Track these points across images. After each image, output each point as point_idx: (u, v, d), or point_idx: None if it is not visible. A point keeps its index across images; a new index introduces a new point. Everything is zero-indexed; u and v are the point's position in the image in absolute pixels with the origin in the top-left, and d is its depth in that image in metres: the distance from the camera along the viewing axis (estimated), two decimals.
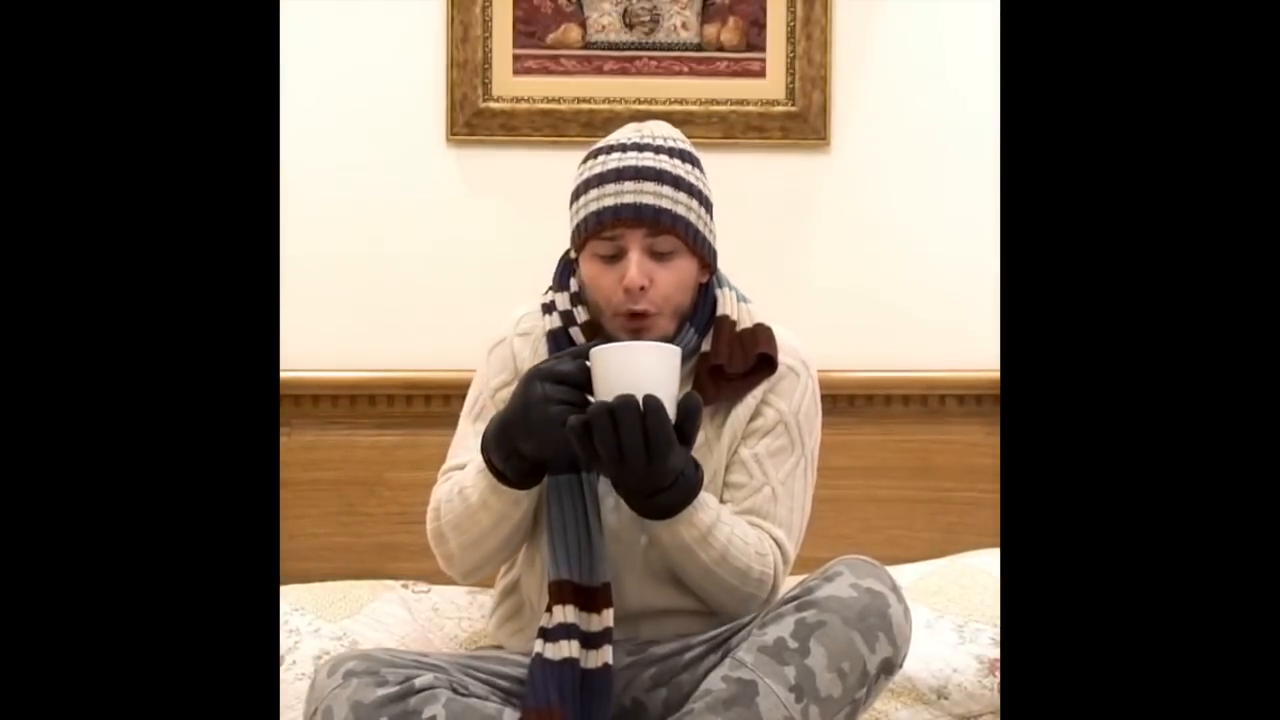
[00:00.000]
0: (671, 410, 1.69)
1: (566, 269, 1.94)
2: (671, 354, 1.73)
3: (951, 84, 2.70)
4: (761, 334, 1.91)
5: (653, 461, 1.69)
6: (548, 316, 1.96)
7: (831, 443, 2.49)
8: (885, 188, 2.69)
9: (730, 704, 1.73)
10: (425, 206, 2.63)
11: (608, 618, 1.82)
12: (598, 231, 1.85)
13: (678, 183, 1.89)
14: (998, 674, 2.20)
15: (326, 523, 2.55)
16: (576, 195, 1.90)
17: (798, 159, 2.67)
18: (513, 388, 1.85)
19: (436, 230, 2.61)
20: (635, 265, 1.84)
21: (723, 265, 2.43)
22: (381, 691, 1.72)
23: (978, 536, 2.62)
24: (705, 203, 1.91)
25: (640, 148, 1.90)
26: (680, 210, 1.87)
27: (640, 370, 1.71)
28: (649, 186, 1.87)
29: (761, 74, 2.65)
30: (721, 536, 1.82)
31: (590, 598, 1.83)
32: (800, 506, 1.96)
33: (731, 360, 1.89)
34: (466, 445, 1.93)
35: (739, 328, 1.93)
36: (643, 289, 1.85)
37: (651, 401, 1.67)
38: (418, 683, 1.73)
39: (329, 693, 1.72)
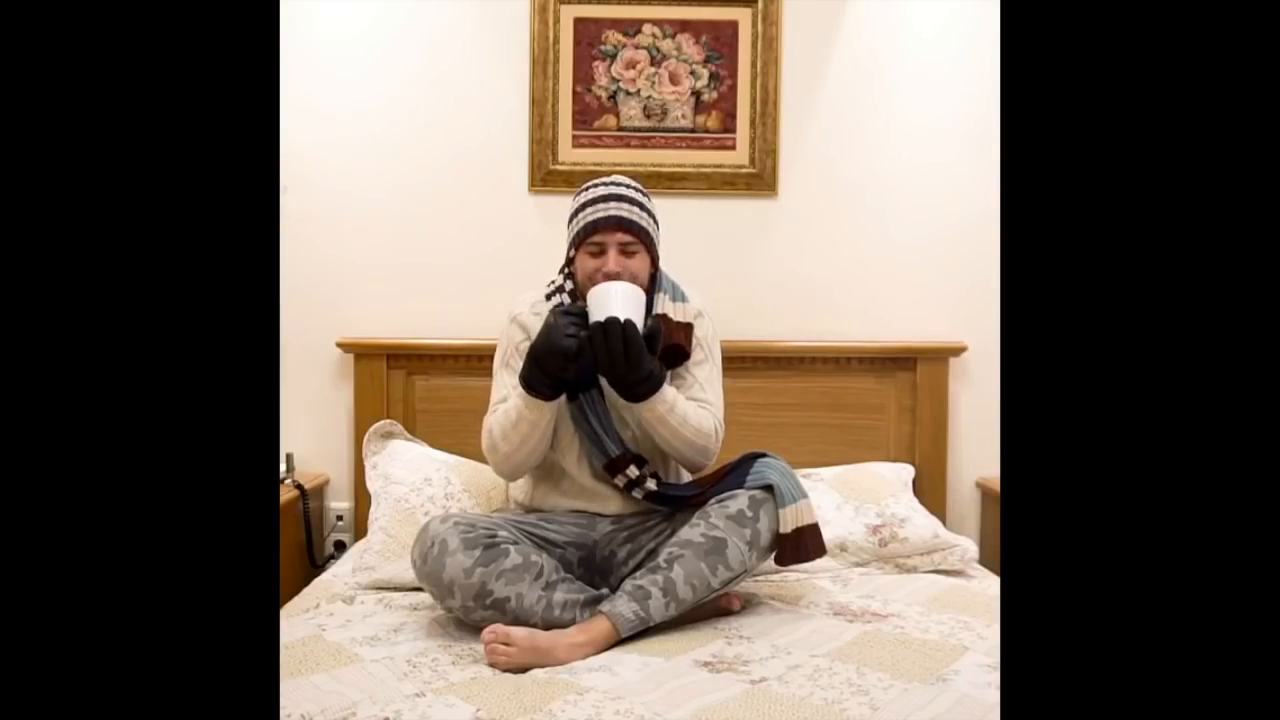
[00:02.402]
0: (640, 326, 1.80)
1: (564, 270, 2.07)
2: (636, 290, 1.84)
3: (853, 157, 2.80)
4: (681, 329, 2.01)
5: (629, 360, 1.79)
6: (554, 298, 2.05)
7: (776, 388, 2.76)
8: (811, 221, 2.81)
9: (709, 552, 1.82)
10: (516, 234, 2.78)
11: (639, 466, 1.96)
12: (590, 236, 1.97)
13: (641, 207, 2.01)
14: (879, 534, 2.34)
15: (451, 436, 2.65)
16: (575, 214, 2.02)
17: (757, 203, 2.79)
18: (529, 343, 1.94)
19: (523, 249, 2.75)
20: (613, 259, 1.96)
21: (708, 268, 2.72)
22: (476, 534, 1.80)
23: (871, 450, 2.75)
24: (654, 220, 2.04)
25: (614, 183, 2.02)
26: (640, 221, 1.99)
27: (617, 300, 1.81)
28: (624, 207, 1.98)
29: (734, 148, 2.75)
30: (682, 406, 1.93)
31: (629, 461, 1.96)
32: (718, 390, 2.07)
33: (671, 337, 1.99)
34: (502, 383, 2.02)
35: (674, 318, 2.01)
36: (618, 273, 1.94)
37: (628, 321, 1.78)
38: (500, 534, 1.82)
39: (444, 531, 1.79)
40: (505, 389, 1.99)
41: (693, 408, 1.95)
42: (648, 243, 2.00)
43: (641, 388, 1.86)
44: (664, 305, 2.02)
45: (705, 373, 2.05)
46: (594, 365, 1.83)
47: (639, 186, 2.05)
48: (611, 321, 1.77)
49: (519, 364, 1.95)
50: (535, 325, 2.02)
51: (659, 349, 1.88)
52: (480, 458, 2.45)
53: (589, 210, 1.98)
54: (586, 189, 2.03)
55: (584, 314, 1.82)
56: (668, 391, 1.89)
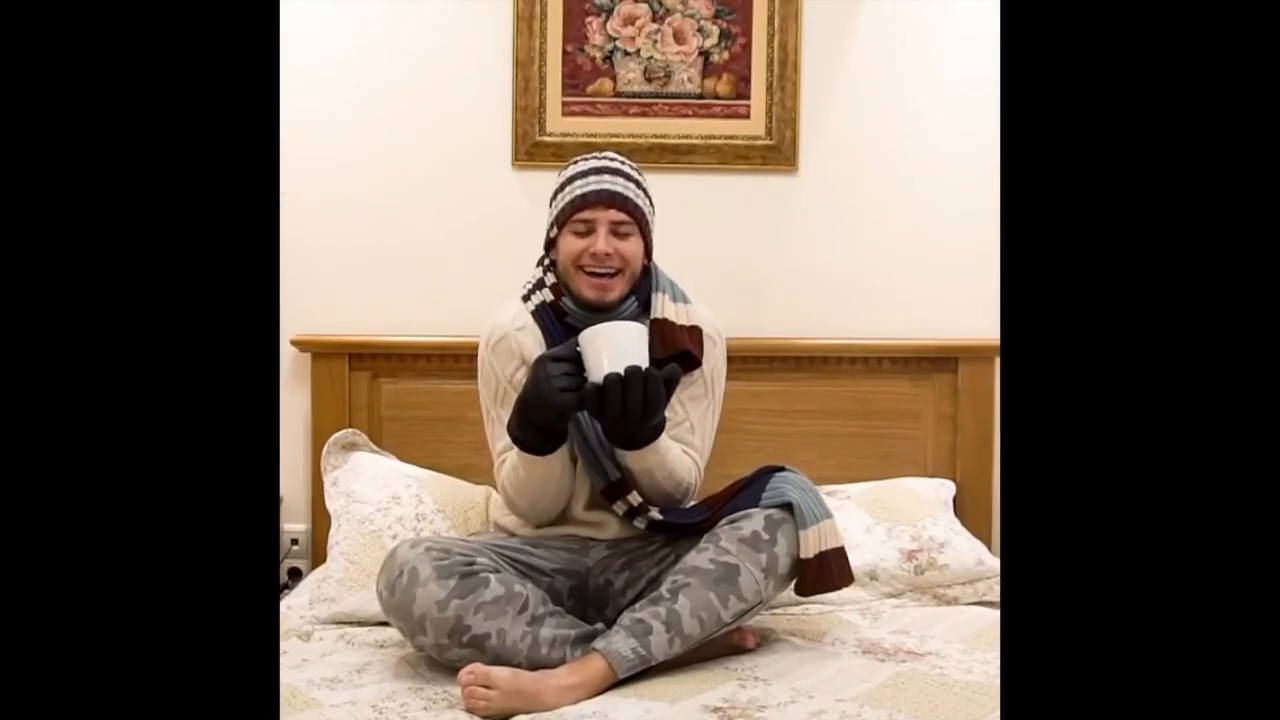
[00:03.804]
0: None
1: (543, 261, 2.08)
2: (642, 330, 1.84)
3: (885, 127, 2.82)
4: (690, 335, 2.02)
5: (647, 416, 1.79)
6: (532, 299, 2.06)
7: (796, 392, 2.78)
8: (837, 201, 2.83)
9: (720, 581, 1.82)
10: (498, 215, 2.78)
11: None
12: (579, 210, 1.97)
13: (634, 181, 2.03)
14: (914, 560, 2.35)
15: (423, 447, 2.65)
16: (559, 190, 2.03)
17: (774, 180, 2.80)
18: (524, 371, 1.97)
19: (505, 233, 2.74)
20: (603, 238, 1.96)
21: (718, 254, 2.73)
22: (451, 561, 1.81)
23: (906, 463, 2.75)
24: (650, 205, 2.06)
25: (605, 157, 2.05)
26: (635, 199, 2.00)
27: (624, 342, 1.79)
28: (618, 181, 2.00)
29: (747, 116, 2.77)
30: (671, 458, 1.94)
31: (631, 485, 1.95)
32: (708, 435, 2.10)
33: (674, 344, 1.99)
34: (504, 424, 1.96)
35: (678, 323, 2.01)
36: (608, 255, 1.95)
37: (649, 371, 1.77)
38: (479, 561, 1.84)
39: (414, 557, 1.80)
40: (507, 435, 1.96)
41: (679, 457, 1.96)
42: (643, 226, 2.01)
43: (642, 436, 1.86)
44: (664, 307, 2.02)
45: (700, 412, 2.06)
46: (599, 418, 1.83)
47: (634, 165, 2.06)
48: (633, 373, 1.74)
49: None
50: (529, 345, 2.02)
51: (670, 397, 1.86)
52: (457, 473, 2.54)
53: (576, 184, 1.99)
54: (573, 163, 2.05)
55: (577, 358, 1.81)
56: (663, 440, 1.90)
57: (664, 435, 1.90)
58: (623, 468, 1.95)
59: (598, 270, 1.96)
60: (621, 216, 1.97)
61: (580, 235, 1.97)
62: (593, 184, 1.97)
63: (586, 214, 1.96)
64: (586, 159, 2.04)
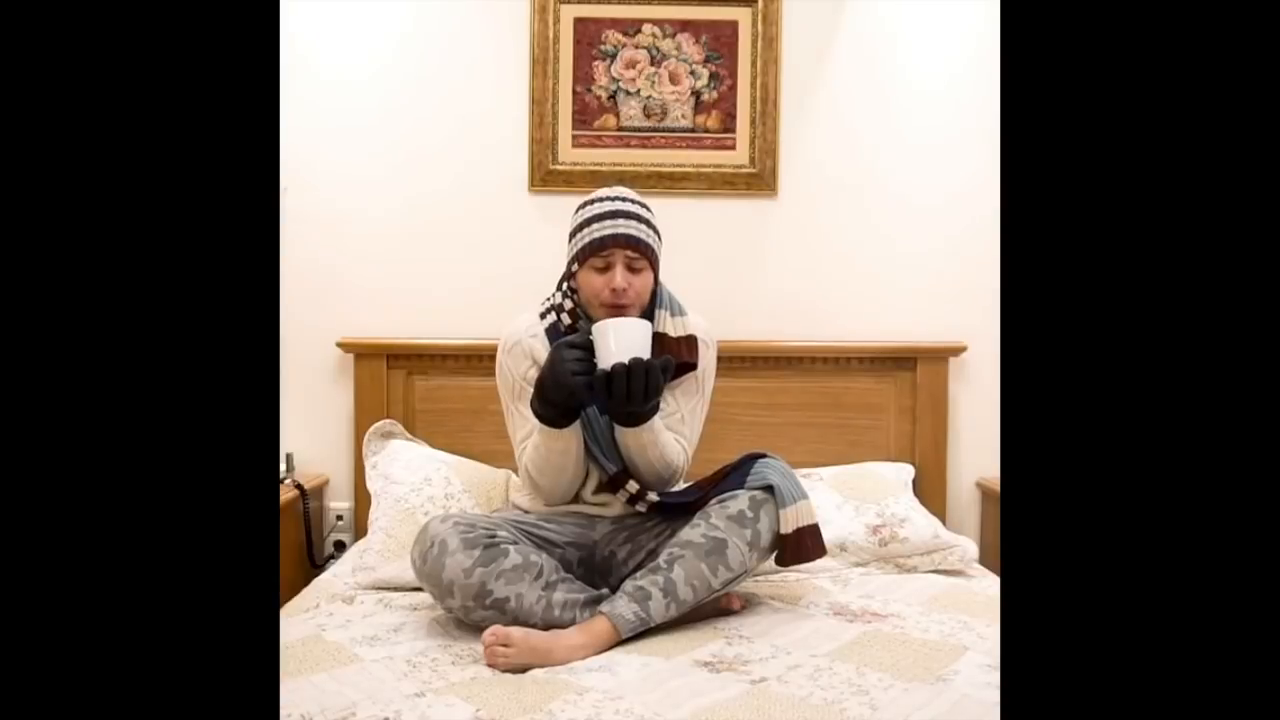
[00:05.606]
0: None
1: (561, 286, 2.06)
2: (647, 326, 1.84)
3: (853, 157, 2.82)
4: (686, 345, 2.02)
5: (647, 400, 1.81)
6: (547, 317, 2.05)
7: (775, 388, 2.77)
8: (811, 221, 2.83)
9: (710, 553, 1.84)
10: (516, 233, 2.80)
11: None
12: (597, 251, 1.96)
13: (646, 223, 2.00)
14: (878, 534, 2.35)
15: (450, 435, 2.68)
16: (580, 228, 2.00)
17: (756, 204, 2.81)
18: (536, 371, 1.99)
19: (523, 248, 2.77)
20: (619, 275, 1.95)
21: (709, 267, 2.75)
22: (476, 534, 1.82)
23: (871, 450, 2.76)
24: (658, 237, 2.04)
25: (621, 199, 2.01)
26: (647, 240, 1.99)
27: (631, 336, 1.81)
28: (632, 224, 1.97)
29: (733, 147, 2.78)
30: (663, 438, 1.96)
31: (629, 476, 1.97)
32: (697, 425, 2.11)
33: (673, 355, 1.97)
34: (522, 416, 2.02)
35: (674, 335, 2.01)
36: (624, 290, 1.94)
37: (650, 363, 1.79)
38: (500, 534, 1.85)
39: (443, 531, 1.82)
40: (527, 424, 1.98)
41: (670, 441, 1.97)
42: (652, 260, 2.00)
43: (638, 415, 1.88)
44: (664, 322, 2.02)
45: (691, 406, 2.06)
46: (604, 401, 1.82)
47: (642, 201, 2.05)
48: (637, 364, 1.77)
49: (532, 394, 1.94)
50: (539, 350, 2.01)
51: (665, 383, 1.87)
52: (480, 457, 2.55)
53: (595, 226, 1.97)
54: (590, 203, 2.02)
55: (589, 345, 1.82)
56: (656, 421, 1.92)
57: (657, 417, 1.90)
58: (622, 457, 1.95)
59: (615, 302, 1.95)
60: (635, 255, 1.95)
61: (599, 271, 1.95)
62: (609, 228, 1.94)
63: (605, 253, 1.94)
64: (602, 200, 2.00)
